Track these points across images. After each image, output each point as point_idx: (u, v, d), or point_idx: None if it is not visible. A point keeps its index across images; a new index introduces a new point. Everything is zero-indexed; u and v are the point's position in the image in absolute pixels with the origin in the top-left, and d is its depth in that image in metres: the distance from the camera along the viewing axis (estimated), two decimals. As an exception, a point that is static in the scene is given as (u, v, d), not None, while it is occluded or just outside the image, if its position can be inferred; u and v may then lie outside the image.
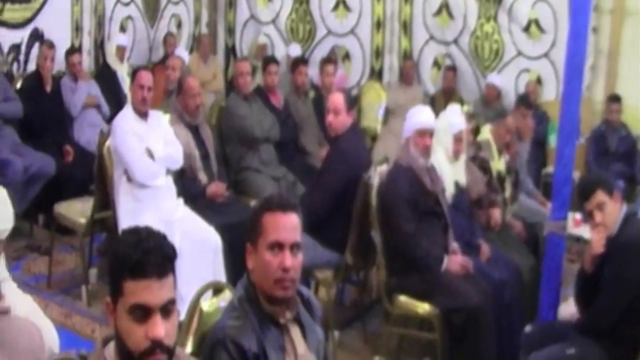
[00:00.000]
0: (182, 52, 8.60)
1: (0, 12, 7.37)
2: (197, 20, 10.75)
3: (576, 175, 5.41)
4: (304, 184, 6.37)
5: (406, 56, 9.80)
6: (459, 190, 5.19)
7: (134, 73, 5.54)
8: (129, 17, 9.37)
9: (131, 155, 5.14)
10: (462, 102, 8.63)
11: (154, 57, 9.77)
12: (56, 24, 8.03)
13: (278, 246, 2.57)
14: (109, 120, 6.89)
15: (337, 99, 5.21)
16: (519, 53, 9.08)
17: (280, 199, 2.66)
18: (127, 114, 5.34)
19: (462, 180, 5.25)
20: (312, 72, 8.69)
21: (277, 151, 6.78)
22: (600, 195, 3.95)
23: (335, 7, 10.15)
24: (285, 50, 10.06)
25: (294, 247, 2.59)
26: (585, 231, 4.85)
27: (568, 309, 4.44)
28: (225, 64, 10.87)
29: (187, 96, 5.73)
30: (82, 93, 7.47)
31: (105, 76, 8.19)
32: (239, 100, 6.71)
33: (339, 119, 5.17)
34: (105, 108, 7.67)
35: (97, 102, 7.61)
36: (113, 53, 8.43)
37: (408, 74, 9.46)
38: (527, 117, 6.56)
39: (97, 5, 8.70)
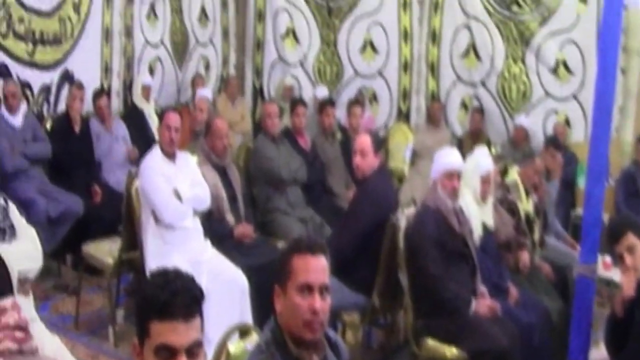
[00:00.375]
0: (204, 92, 8.69)
1: (32, 53, 7.49)
2: (225, 62, 10.88)
3: (605, 217, 5.37)
4: (331, 226, 6.37)
5: (433, 98, 9.84)
6: (487, 232, 5.18)
7: (161, 114, 5.63)
8: (158, 59, 9.52)
9: (159, 197, 5.18)
10: (489, 143, 8.66)
11: (182, 99, 9.89)
12: (86, 65, 8.16)
13: (307, 288, 2.57)
14: (137, 161, 6.94)
15: (364, 141, 5.24)
16: (547, 94, 9.09)
17: (310, 241, 2.67)
18: (155, 155, 5.39)
19: (490, 222, 5.24)
20: (340, 113, 8.75)
21: (305, 193, 6.80)
22: (631, 238, 3.92)
23: (363, 48, 10.23)
24: (312, 92, 10.14)
25: (323, 289, 2.59)
26: (615, 274, 4.81)
27: (599, 353, 4.38)
28: (253, 106, 10.96)
29: (215, 137, 5.79)
30: (109, 136, 7.54)
31: (133, 116, 8.28)
32: (267, 141, 6.76)
33: (367, 161, 5.19)
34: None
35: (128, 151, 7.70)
36: (139, 92, 8.53)
37: (435, 115, 9.49)
38: (556, 157, 6.55)
39: (126, 46, 8.83)
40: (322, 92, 9.89)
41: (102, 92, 7.82)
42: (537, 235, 5.99)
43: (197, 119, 7.50)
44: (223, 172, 5.86)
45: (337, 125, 8.25)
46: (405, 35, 9.98)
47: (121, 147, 7.59)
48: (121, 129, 7.74)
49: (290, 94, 10.10)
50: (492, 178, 5.30)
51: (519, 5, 9.15)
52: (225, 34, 10.82)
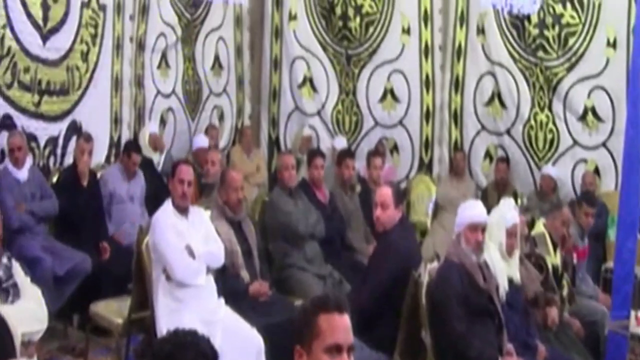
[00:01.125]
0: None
1: (38, 104, 7.51)
2: (240, 112, 10.99)
3: (638, 270, 5.36)
4: (350, 283, 6.39)
5: (457, 147, 9.90)
6: (514, 288, 5.18)
7: (173, 167, 5.63)
8: (170, 109, 9.62)
9: (171, 253, 5.20)
10: (515, 195, 8.69)
11: (196, 151, 9.95)
12: (95, 116, 8.21)
13: (336, 349, 2.59)
14: (150, 213, 6.97)
15: (385, 193, 5.29)
16: (575, 142, 9.12)
17: (337, 299, 2.68)
18: (167, 209, 5.43)
19: (517, 277, 5.24)
20: (359, 165, 8.80)
21: (323, 248, 6.83)
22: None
23: (383, 97, 10.32)
24: (330, 143, 10.21)
25: (350, 349, 2.62)
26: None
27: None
28: (268, 157, 11.02)
29: (230, 189, 5.86)
30: (126, 190, 7.62)
31: (142, 167, 8.28)
32: (283, 194, 6.82)
33: (387, 214, 5.23)
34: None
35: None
36: (146, 142, 8.53)
37: (459, 166, 9.53)
38: (589, 216, 6.55)
39: (136, 96, 8.92)
40: (341, 142, 9.96)
41: (136, 147, 7.87)
42: (566, 291, 5.98)
43: (210, 172, 7.53)
44: (238, 227, 5.91)
45: (357, 177, 8.29)
46: (427, 83, 10.08)
47: (136, 202, 7.63)
48: (139, 183, 7.77)
49: (308, 145, 10.17)
50: (519, 231, 5.32)
51: (546, 51, 9.23)
52: (239, 83, 10.95)
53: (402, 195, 5.55)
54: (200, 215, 5.56)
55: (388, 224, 5.25)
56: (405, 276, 4.98)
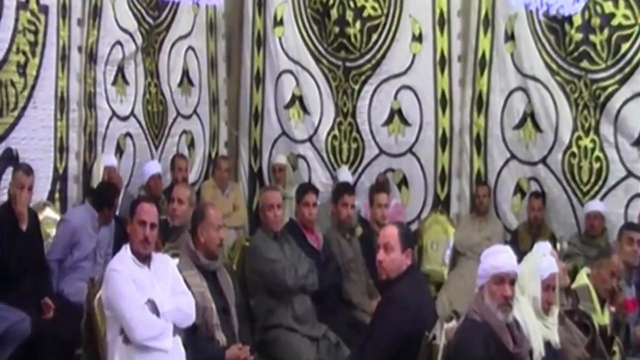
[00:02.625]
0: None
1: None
2: (214, 138, 11.07)
3: None
4: (349, 346, 6.38)
5: (480, 181, 9.95)
6: (552, 353, 5.18)
7: (132, 206, 5.65)
8: (128, 135, 9.66)
9: (129, 310, 5.19)
10: (553, 238, 8.68)
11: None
12: (35, 144, 8.18)
13: None
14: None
15: (389, 233, 5.31)
16: (630, 173, 9.14)
17: None
18: (124, 257, 5.42)
19: (556, 339, 5.24)
20: (360, 202, 8.84)
21: (316, 304, 6.84)
22: None
23: (389, 120, 10.41)
24: (323, 176, 10.26)
25: None
26: None
27: None
28: (249, 194, 11.08)
29: (212, 228, 5.92)
30: (94, 236, 7.59)
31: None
32: (267, 239, 6.84)
33: (392, 258, 5.25)
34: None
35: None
36: (100, 176, 8.56)
37: (482, 203, 9.57)
38: (634, 243, 6.55)
39: (87, 120, 8.90)
40: (344, 174, 10.02)
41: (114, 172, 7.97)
42: (618, 357, 5.98)
43: (176, 212, 7.48)
44: (212, 278, 5.93)
45: (357, 218, 8.33)
46: (443, 102, 10.18)
47: (99, 260, 7.54)
48: (108, 235, 7.72)
49: (281, 176, 10.28)
50: (557, 283, 5.33)
51: (592, 60, 9.24)
52: (213, 102, 11.04)
53: (411, 238, 5.53)
54: (166, 264, 5.57)
55: (392, 271, 5.26)
56: (416, 338, 4.97)
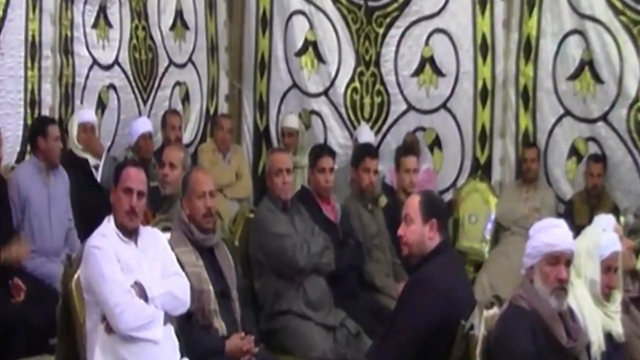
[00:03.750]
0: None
1: None
2: (213, 91, 11.09)
3: None
4: (370, 336, 6.41)
5: (527, 142, 9.93)
6: (614, 347, 5.17)
7: (116, 171, 5.63)
8: (111, 87, 9.67)
9: (113, 294, 5.17)
10: (616, 210, 8.63)
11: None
12: (1, 97, 8.24)
13: None
14: (82, 237, 6.94)
15: (409, 202, 5.29)
16: None
17: None
18: (107, 231, 5.42)
19: (619, 330, 5.22)
20: (385, 167, 8.83)
21: (332, 287, 6.86)
22: None
23: (419, 69, 10.39)
24: (341, 136, 10.24)
25: None
26: None
27: None
28: (254, 157, 11.12)
29: (195, 197, 5.93)
30: (46, 196, 7.61)
31: (71, 170, 8.19)
32: (275, 210, 6.84)
33: (411, 230, 5.23)
34: (69, 214, 7.81)
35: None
36: (74, 137, 8.61)
37: (530, 168, 9.55)
38: None
39: (62, 69, 8.92)
40: (367, 134, 9.99)
41: (51, 121, 7.91)
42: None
43: (166, 178, 7.48)
44: (210, 256, 5.95)
45: (381, 185, 8.31)
46: (484, 48, 10.14)
47: (61, 215, 7.66)
48: (62, 185, 7.79)
49: (293, 140, 10.28)
50: (620, 264, 5.29)
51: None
52: (212, 49, 11.04)
53: (437, 207, 5.43)
54: (156, 240, 5.57)
55: (414, 246, 5.24)
56: (449, 328, 4.97)
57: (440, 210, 5.48)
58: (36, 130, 7.74)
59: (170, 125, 9.68)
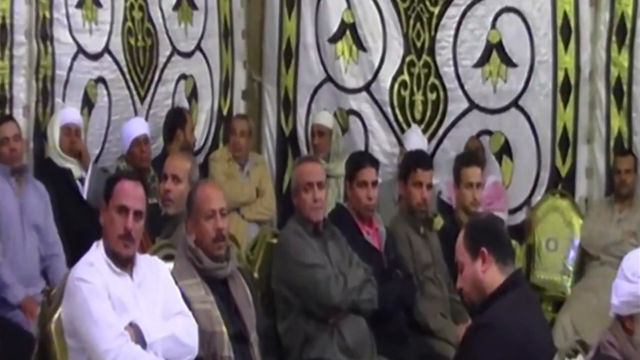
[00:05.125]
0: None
1: None
2: (227, 86, 11.15)
3: None
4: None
5: (621, 148, 9.94)
6: None
7: (108, 186, 5.67)
8: (100, 80, 9.70)
9: (103, 339, 5.21)
10: None
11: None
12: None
13: None
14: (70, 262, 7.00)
15: (458, 242, 5.30)
16: None
17: None
18: (95, 260, 5.45)
19: None
20: (441, 180, 8.85)
21: (374, 329, 6.89)
22: None
23: (484, 58, 10.43)
24: (387, 141, 10.28)
25: None
26: None
27: None
28: (277, 168, 11.16)
29: (202, 217, 5.94)
30: (17, 212, 7.69)
31: (50, 184, 8.28)
32: (304, 234, 6.88)
33: (463, 276, 5.23)
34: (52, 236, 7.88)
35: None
36: (55, 141, 8.67)
37: (624, 182, 9.53)
38: None
39: (40, 59, 8.95)
40: (417, 139, 10.01)
41: (5, 119, 8.03)
42: None
43: (169, 195, 7.49)
44: (223, 291, 5.99)
45: (437, 202, 8.33)
46: (566, 31, 10.15)
47: (32, 237, 7.73)
48: (35, 197, 7.87)
49: (325, 143, 10.28)
50: None
51: None
52: (226, 34, 11.10)
53: (485, 230, 5.38)
54: (156, 271, 5.63)
55: (474, 291, 5.20)
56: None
57: (490, 232, 5.28)
58: None
59: (177, 127, 9.76)
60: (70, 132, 8.75)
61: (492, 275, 5.16)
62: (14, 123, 7.95)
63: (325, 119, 10.58)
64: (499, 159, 10.33)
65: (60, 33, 9.20)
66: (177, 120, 9.69)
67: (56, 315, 5.55)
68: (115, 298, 5.35)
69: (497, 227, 5.42)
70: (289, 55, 11.17)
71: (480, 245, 5.12)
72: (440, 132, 10.55)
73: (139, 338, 5.30)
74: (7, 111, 8.67)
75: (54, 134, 8.70)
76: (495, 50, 10.35)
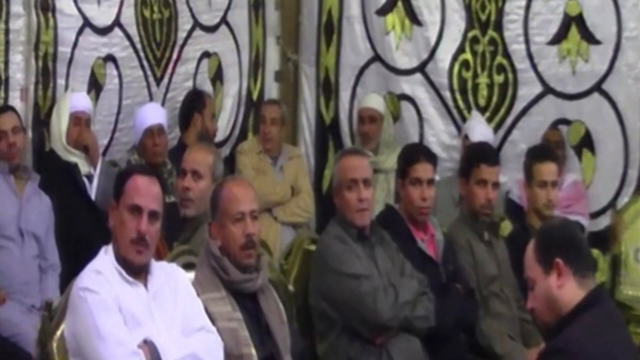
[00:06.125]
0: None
1: None
2: (257, 66, 11.19)
3: None
4: None
5: None
6: None
7: (119, 182, 5.73)
8: (109, 59, 9.80)
9: (112, 356, 5.26)
10: None
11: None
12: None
13: None
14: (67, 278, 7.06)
15: (528, 253, 5.33)
16: None
17: None
18: (103, 268, 5.50)
19: None
20: (510, 178, 8.88)
21: (430, 351, 6.93)
22: None
23: (561, 34, 10.43)
24: (445, 132, 10.32)
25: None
26: None
27: None
28: (316, 164, 11.20)
29: (228, 220, 5.98)
30: (15, 215, 7.80)
31: (52, 177, 8.47)
32: (348, 240, 6.93)
33: (534, 295, 5.25)
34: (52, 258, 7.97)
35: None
36: (62, 130, 8.76)
37: None
38: None
39: (40, 33, 9.01)
40: (481, 129, 10.03)
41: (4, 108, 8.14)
42: None
43: (189, 192, 7.50)
44: (252, 306, 6.05)
45: (504, 203, 8.36)
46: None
47: (31, 243, 7.83)
48: (37, 200, 7.98)
49: (374, 131, 10.32)
50: None
51: None
52: (256, 6, 11.13)
53: (559, 238, 5.38)
54: (174, 281, 5.68)
55: (547, 312, 5.22)
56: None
57: (566, 240, 5.21)
58: None
59: (198, 114, 9.84)
60: (80, 121, 8.83)
61: (569, 291, 5.13)
62: (13, 114, 8.04)
63: (376, 102, 10.63)
64: (579, 153, 10.34)
65: (64, 3, 9.23)
66: (194, 104, 9.74)
67: (58, 332, 5.59)
68: (127, 311, 5.39)
69: (575, 234, 5.35)
70: (330, 29, 11.21)
71: (554, 256, 5.08)
72: (509, 121, 10.58)
73: (155, 357, 5.34)
74: (2, 94, 8.73)
75: (61, 123, 8.77)
76: (574, 25, 10.36)
